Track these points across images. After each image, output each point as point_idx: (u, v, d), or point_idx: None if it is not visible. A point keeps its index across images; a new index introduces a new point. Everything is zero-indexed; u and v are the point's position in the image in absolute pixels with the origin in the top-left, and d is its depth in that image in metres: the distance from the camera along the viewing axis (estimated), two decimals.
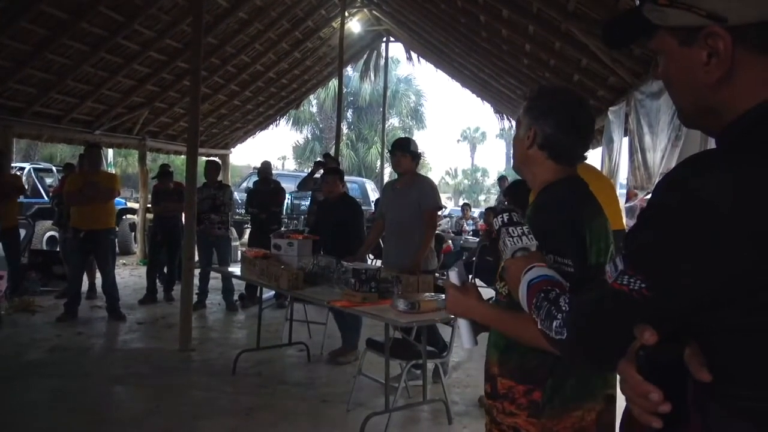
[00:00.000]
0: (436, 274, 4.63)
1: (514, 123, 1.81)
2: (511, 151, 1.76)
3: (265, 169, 7.94)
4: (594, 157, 7.87)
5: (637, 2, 0.99)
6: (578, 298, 1.07)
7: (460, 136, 44.62)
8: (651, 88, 4.88)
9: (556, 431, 1.48)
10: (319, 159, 8.91)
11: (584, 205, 1.58)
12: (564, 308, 1.08)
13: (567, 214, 1.52)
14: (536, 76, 8.15)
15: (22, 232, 7.86)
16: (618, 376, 0.92)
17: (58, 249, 8.60)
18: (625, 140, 6.16)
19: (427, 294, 3.81)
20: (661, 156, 4.53)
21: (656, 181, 4.61)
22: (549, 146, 1.59)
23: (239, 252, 10.32)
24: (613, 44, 1.09)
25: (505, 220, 1.41)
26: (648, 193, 4.94)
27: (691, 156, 0.91)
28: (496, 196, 13.36)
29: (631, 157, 5.76)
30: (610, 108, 6.60)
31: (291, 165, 30.89)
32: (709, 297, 0.83)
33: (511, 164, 1.73)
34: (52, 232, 9.58)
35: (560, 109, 1.59)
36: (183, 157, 13.68)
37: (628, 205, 5.47)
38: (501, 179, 13.48)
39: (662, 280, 0.86)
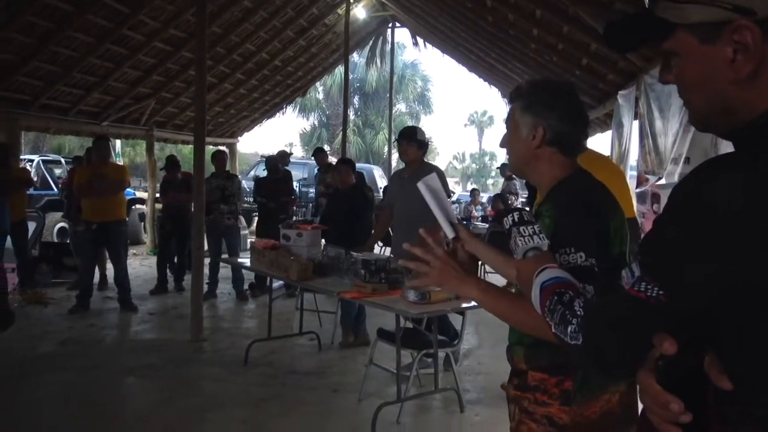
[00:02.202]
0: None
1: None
2: (502, 137, 1.71)
3: (273, 159, 7.95)
4: (603, 141, 7.81)
5: (647, 2, 0.96)
6: (594, 304, 1.05)
7: (468, 120, 44.53)
8: None
9: (586, 416, 1.52)
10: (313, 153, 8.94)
11: (604, 199, 1.56)
12: (579, 313, 1.06)
13: (590, 211, 1.50)
14: (544, 61, 8.06)
15: (32, 225, 7.89)
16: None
17: (68, 241, 8.66)
18: (635, 124, 6.09)
19: None
20: (672, 141, 4.48)
21: (667, 167, 4.57)
22: (559, 141, 1.56)
23: (248, 241, 10.36)
24: (619, 48, 1.06)
25: (516, 219, 1.39)
26: (659, 178, 4.91)
27: (706, 160, 0.88)
28: (501, 185, 13.25)
29: (641, 141, 5.71)
30: (619, 92, 6.53)
31: (298, 152, 30.85)
32: (727, 302, 0.81)
33: (500, 143, 1.66)
34: (62, 224, 9.64)
35: (562, 101, 1.56)
36: (190, 146, 13.74)
37: (638, 190, 5.42)
38: (503, 167, 13.41)
39: (680, 288, 0.84)
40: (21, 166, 8.79)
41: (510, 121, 1.63)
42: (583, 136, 1.62)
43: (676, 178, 4.13)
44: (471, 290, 1.51)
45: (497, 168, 12.33)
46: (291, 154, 9.08)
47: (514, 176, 13.10)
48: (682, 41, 0.91)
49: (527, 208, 1.47)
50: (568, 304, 1.10)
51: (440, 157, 35.23)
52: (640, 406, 0.99)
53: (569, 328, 1.05)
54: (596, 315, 1.00)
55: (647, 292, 0.87)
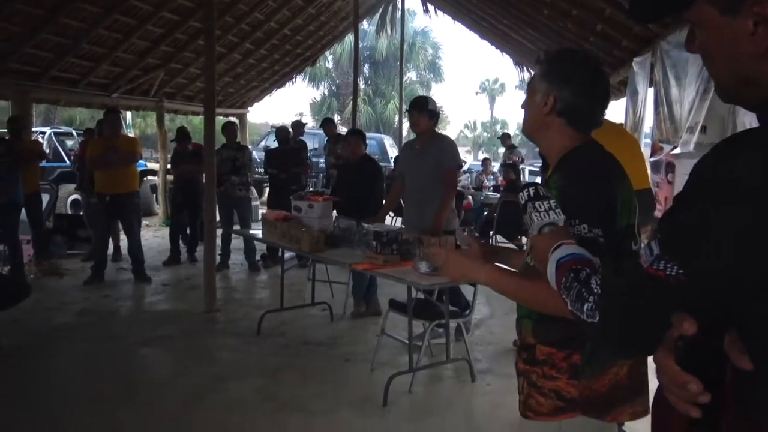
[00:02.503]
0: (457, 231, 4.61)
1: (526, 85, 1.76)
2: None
3: (283, 130, 7.93)
4: (618, 109, 7.70)
5: None
6: (611, 282, 1.04)
7: (479, 88, 44.01)
8: (679, 38, 4.70)
9: (595, 389, 1.52)
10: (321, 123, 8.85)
11: (612, 171, 1.55)
12: (595, 290, 1.05)
13: (598, 183, 1.49)
14: (557, 27, 7.91)
15: (46, 197, 7.95)
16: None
17: (81, 213, 8.72)
18: (651, 91, 5.99)
19: None
20: (688, 109, 4.39)
21: (682, 135, 4.50)
22: (569, 113, 1.55)
23: (259, 212, 10.38)
24: (643, 17, 1.03)
25: (531, 194, 1.38)
26: (674, 147, 4.83)
27: (728, 137, 0.86)
28: (503, 154, 13.15)
29: (656, 109, 5.62)
30: (634, 58, 6.41)
31: (308, 122, 30.75)
32: (748, 282, 0.80)
33: (521, 104, 1.69)
34: (75, 196, 9.70)
35: (580, 75, 1.54)
36: (200, 117, 13.70)
37: (653, 159, 5.35)
38: (504, 137, 13.29)
39: (700, 266, 0.83)
40: (33, 138, 8.82)
41: (531, 83, 1.65)
42: (598, 113, 1.59)
43: (691, 148, 4.06)
44: (479, 276, 1.55)
45: (498, 138, 12.14)
46: (305, 124, 8.98)
47: (515, 145, 13.05)
48: (703, 12, 0.89)
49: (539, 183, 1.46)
50: (585, 282, 1.09)
51: (451, 125, 34.97)
52: (652, 378, 0.98)
53: (586, 306, 1.04)
54: (614, 293, 0.99)
55: (666, 271, 0.86)
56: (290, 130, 8.29)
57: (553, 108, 1.55)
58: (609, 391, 1.53)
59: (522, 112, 1.69)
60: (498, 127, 42.27)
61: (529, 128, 1.66)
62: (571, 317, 1.11)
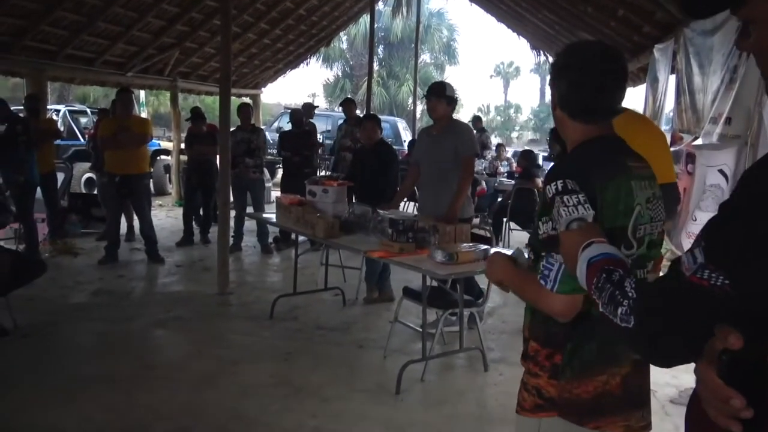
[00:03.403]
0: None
1: (550, 59, 1.78)
2: (546, 87, 1.75)
3: (298, 112, 7.88)
4: (637, 96, 7.59)
5: None
6: (650, 287, 1.00)
7: (494, 71, 43.51)
8: (703, 25, 4.59)
9: (576, 393, 1.49)
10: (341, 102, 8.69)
11: (597, 167, 1.44)
12: (630, 294, 1.01)
13: (575, 178, 1.39)
14: (577, 11, 7.78)
15: (61, 176, 7.98)
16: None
17: (95, 191, 8.76)
18: (672, 79, 5.88)
19: (464, 244, 3.77)
20: (712, 99, 4.30)
21: (705, 126, 4.42)
22: (567, 106, 1.54)
23: (272, 194, 10.38)
24: (696, 14, 0.99)
25: (559, 188, 1.34)
26: (696, 138, 4.75)
27: None
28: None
29: (678, 98, 5.52)
30: (656, 45, 6.30)
31: (321, 103, 30.65)
32: None
33: (545, 100, 1.72)
34: (89, 174, 9.74)
35: (573, 67, 1.52)
36: (212, 97, 13.66)
37: (673, 149, 5.25)
38: (476, 119, 13.32)
39: (747, 278, 0.80)
40: (48, 116, 8.83)
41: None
42: (601, 102, 1.52)
43: (714, 139, 3.98)
44: (503, 276, 1.59)
45: (470, 121, 11.97)
46: (317, 106, 8.86)
47: (485, 129, 13.06)
48: (759, 8, 0.85)
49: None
50: (618, 284, 1.06)
51: (464, 109, 34.66)
52: (673, 388, 0.95)
53: (620, 310, 1.01)
54: (653, 300, 0.96)
55: (711, 281, 0.83)
56: (302, 112, 8.22)
57: (554, 102, 1.58)
58: (594, 399, 1.48)
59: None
60: (512, 111, 41.92)
61: (556, 126, 1.67)
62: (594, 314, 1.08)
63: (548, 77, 1.65)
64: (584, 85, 1.50)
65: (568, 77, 1.53)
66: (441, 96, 4.44)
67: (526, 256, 1.62)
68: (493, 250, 3.52)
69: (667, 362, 1.03)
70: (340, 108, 8.39)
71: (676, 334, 0.90)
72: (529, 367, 1.57)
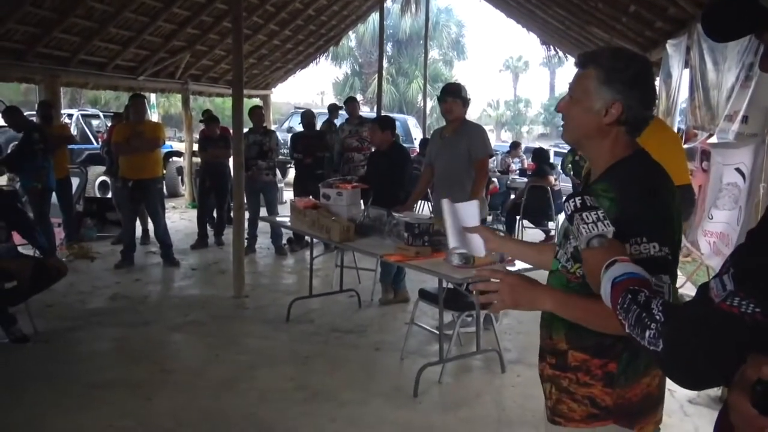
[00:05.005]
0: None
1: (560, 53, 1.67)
2: (555, 81, 1.65)
3: (309, 114, 7.89)
4: None
5: None
6: (679, 312, 1.01)
7: (503, 65, 43.35)
8: None
9: (628, 398, 1.50)
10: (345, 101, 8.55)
11: (666, 183, 1.46)
12: (658, 318, 1.01)
13: (659, 197, 1.41)
14: (588, 7, 7.72)
15: (75, 181, 8.05)
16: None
17: (109, 195, 8.83)
18: (686, 74, 5.82)
19: None
20: (726, 96, 4.26)
21: (719, 123, 4.38)
22: (632, 122, 1.46)
23: (284, 194, 10.40)
24: (720, 38, 0.98)
25: (578, 205, 1.32)
26: (710, 135, 4.71)
27: None
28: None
29: (691, 94, 5.47)
30: (669, 40, 6.24)
31: (331, 101, 30.72)
32: None
33: (555, 94, 1.61)
34: (103, 178, 9.82)
35: (644, 81, 1.46)
36: (222, 98, 13.67)
37: (687, 146, 5.22)
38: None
39: None
40: (61, 120, 8.91)
41: (579, 87, 1.49)
42: (650, 117, 1.52)
43: (731, 137, 3.95)
44: (544, 303, 1.47)
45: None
46: (341, 107, 8.58)
47: None
48: None
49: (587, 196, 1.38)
50: (645, 306, 1.06)
51: (474, 104, 34.59)
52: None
53: (647, 333, 1.02)
54: (683, 327, 0.96)
55: (741, 308, 0.83)
56: (314, 114, 8.18)
57: (618, 117, 1.44)
58: (641, 401, 1.51)
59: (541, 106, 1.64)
60: (521, 105, 41.71)
61: (577, 135, 1.54)
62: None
63: (588, 82, 1.47)
64: (654, 100, 1.48)
65: (642, 92, 1.44)
66: (457, 97, 4.44)
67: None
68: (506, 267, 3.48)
69: (696, 386, 1.03)
70: (343, 106, 8.27)
71: (707, 360, 0.91)
72: (576, 377, 1.53)
